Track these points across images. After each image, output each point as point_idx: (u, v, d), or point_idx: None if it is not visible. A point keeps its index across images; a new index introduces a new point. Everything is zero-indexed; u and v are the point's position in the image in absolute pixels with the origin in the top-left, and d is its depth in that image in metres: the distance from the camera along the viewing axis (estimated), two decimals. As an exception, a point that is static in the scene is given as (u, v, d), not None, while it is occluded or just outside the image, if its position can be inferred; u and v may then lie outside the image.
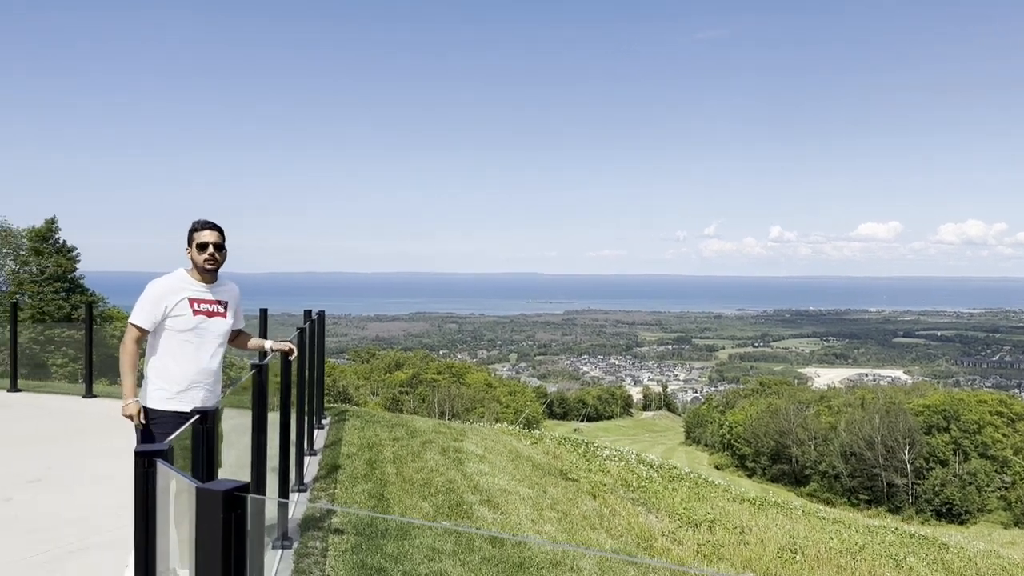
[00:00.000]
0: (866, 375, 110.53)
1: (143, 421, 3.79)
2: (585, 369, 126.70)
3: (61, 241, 41.30)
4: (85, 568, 4.12)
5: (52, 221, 42.17)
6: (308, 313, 9.02)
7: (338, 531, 5.06)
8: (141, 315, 3.81)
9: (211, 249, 3.87)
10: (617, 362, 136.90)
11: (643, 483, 8.51)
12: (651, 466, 9.70)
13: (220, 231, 3.94)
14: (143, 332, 3.83)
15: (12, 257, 42.33)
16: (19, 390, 10.50)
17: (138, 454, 1.93)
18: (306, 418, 7.33)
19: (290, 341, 4.66)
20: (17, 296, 38.42)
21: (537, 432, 10.60)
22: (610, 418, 76.51)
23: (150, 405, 3.78)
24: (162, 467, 1.92)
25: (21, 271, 41.58)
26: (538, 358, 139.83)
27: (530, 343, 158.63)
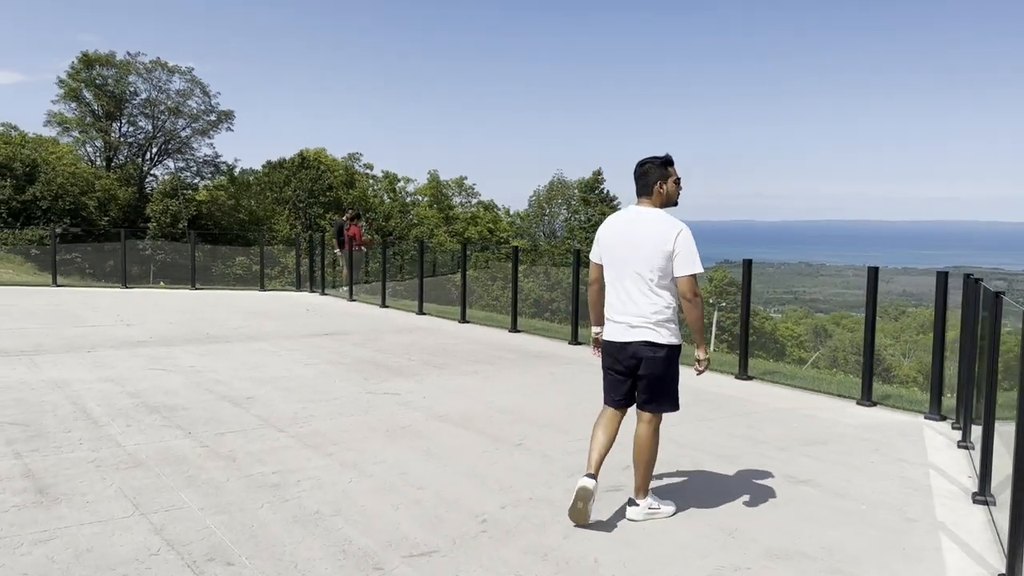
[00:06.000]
0: None
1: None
2: None
3: (605, 191, 44.73)
4: None
5: (598, 173, 45.86)
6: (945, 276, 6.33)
7: None
8: (700, 261, 3.81)
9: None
10: None
11: None
12: None
13: None
14: None
15: (565, 206, 47.35)
16: (579, 344, 10.01)
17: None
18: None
19: None
20: (570, 241, 42.64)
21: None
22: None
23: (677, 342, 3.87)
24: None
25: (572, 219, 46.29)
26: None
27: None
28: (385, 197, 49.20)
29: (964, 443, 5.36)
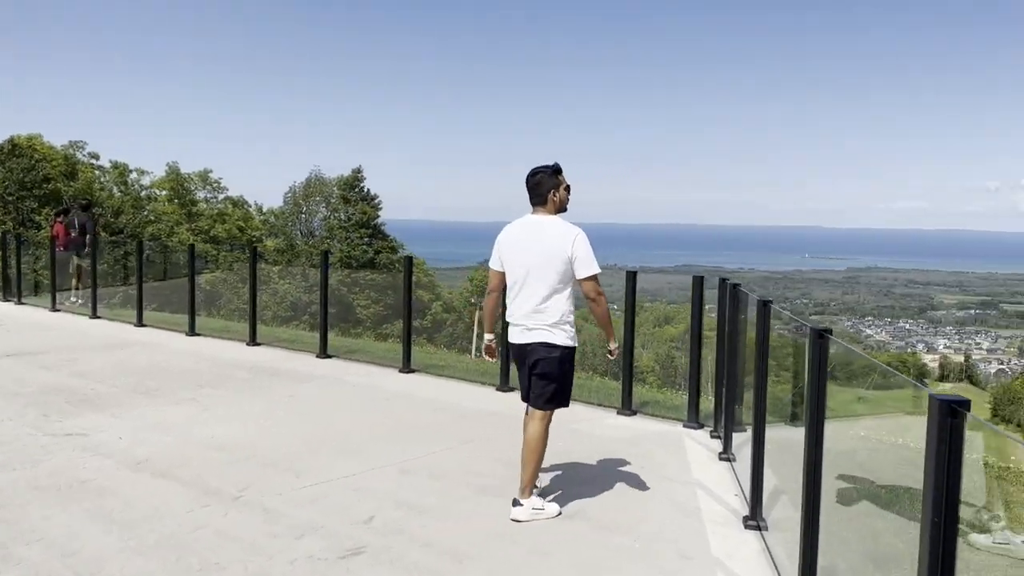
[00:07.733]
0: None
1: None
2: (868, 332, 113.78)
3: (366, 190, 43.39)
4: None
5: (358, 171, 44.35)
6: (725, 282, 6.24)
7: None
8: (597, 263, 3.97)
9: None
10: (908, 326, 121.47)
11: None
12: None
13: None
14: None
15: (324, 204, 45.32)
16: (329, 357, 8.97)
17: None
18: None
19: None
20: (328, 240, 40.80)
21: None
22: (900, 387, 67.96)
23: (572, 344, 4.01)
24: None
25: (332, 217, 44.43)
26: (813, 317, 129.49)
27: (805, 301, 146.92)
28: (115, 190, 43.87)
29: (725, 455, 5.18)
